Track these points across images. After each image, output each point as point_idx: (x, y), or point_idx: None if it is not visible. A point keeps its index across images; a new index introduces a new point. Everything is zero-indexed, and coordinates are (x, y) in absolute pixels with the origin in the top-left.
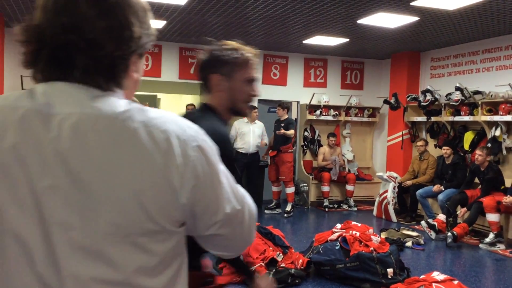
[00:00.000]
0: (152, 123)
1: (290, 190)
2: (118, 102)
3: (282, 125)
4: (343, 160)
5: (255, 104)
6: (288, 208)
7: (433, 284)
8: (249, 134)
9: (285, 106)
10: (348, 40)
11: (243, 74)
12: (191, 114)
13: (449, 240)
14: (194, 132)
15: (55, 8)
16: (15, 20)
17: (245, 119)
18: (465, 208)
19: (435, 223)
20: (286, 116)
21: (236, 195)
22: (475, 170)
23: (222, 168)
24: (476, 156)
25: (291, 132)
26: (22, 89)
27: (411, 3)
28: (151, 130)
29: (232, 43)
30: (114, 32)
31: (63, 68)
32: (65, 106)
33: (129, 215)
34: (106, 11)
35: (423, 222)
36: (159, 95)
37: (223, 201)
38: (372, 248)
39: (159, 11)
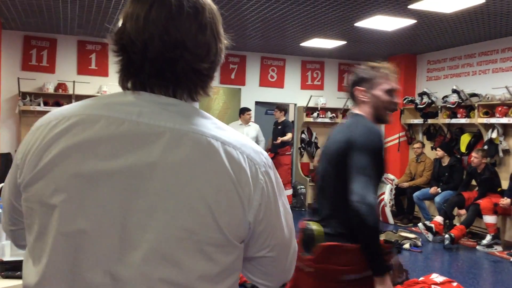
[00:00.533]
0: (231, 145)
1: (288, 192)
2: (207, 123)
3: (280, 127)
4: None
5: (250, 106)
6: None
7: (432, 286)
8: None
9: (283, 108)
10: (345, 42)
11: (382, 86)
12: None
13: (447, 242)
14: (264, 158)
15: (159, 23)
16: (12, 22)
17: (239, 122)
18: (464, 210)
19: (432, 225)
20: (283, 118)
21: (288, 225)
22: (472, 172)
23: (283, 198)
24: (472, 159)
25: (289, 136)
26: (19, 90)
27: (409, 6)
28: (229, 150)
29: (373, 63)
30: (212, 45)
31: (164, 78)
32: (157, 120)
33: (202, 224)
34: (204, 26)
35: (420, 224)
36: None
37: (279, 227)
38: None
39: None
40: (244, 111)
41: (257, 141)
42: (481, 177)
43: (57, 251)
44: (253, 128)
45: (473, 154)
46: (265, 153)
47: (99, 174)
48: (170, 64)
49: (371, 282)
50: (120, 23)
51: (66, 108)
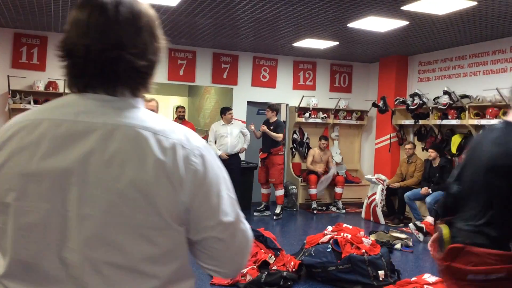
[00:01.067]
0: (162, 133)
1: (280, 192)
2: (139, 114)
3: (271, 127)
4: (334, 164)
5: (242, 106)
6: (278, 210)
7: (425, 286)
8: (227, 136)
9: (274, 108)
10: (337, 43)
11: None
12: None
13: None
14: (201, 144)
15: (99, 28)
16: (2, 19)
17: (222, 122)
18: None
19: (423, 225)
20: (275, 119)
21: (231, 207)
22: None
23: (223, 180)
24: (459, 159)
25: (279, 135)
26: (9, 88)
27: (401, 8)
28: (159, 138)
29: None
30: (148, 43)
31: (106, 78)
32: (92, 117)
33: (138, 209)
34: (140, 28)
35: (411, 225)
36: (147, 97)
37: (217, 209)
38: (363, 251)
39: None
40: (225, 111)
41: (243, 136)
42: None
43: (16, 245)
44: (236, 126)
45: (463, 155)
46: (201, 139)
47: (42, 172)
48: (110, 64)
49: (504, 284)
50: (65, 31)
51: (21, 115)
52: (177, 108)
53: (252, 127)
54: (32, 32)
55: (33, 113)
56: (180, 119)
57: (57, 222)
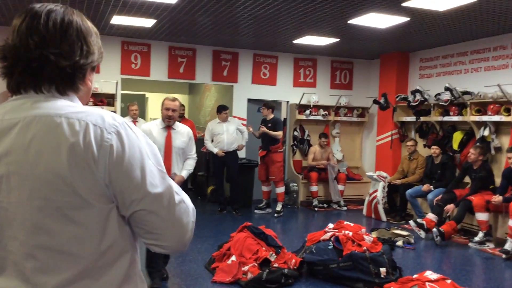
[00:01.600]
0: (75, 117)
1: (280, 190)
2: (57, 104)
3: (269, 125)
4: (335, 161)
5: (243, 103)
6: (279, 208)
7: (427, 283)
8: (223, 133)
9: (270, 105)
10: (338, 40)
11: None
12: None
13: (437, 237)
14: (116, 122)
15: (27, 31)
16: (1, 17)
17: (217, 120)
18: (452, 204)
19: (424, 222)
20: (272, 116)
21: (162, 181)
22: (467, 168)
23: (148, 154)
24: (469, 155)
25: (279, 133)
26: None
27: (402, 4)
28: (72, 121)
29: None
30: (76, 47)
31: (33, 76)
32: (15, 113)
33: (56, 191)
34: (69, 34)
35: (411, 222)
36: (147, 94)
37: (142, 182)
38: (365, 248)
39: (149, 10)
40: (220, 110)
41: (240, 133)
42: (476, 174)
43: None
44: (232, 123)
45: (471, 150)
46: (119, 118)
47: None
48: (35, 63)
49: None
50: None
51: None
52: (129, 105)
53: (251, 129)
54: None
55: None
56: (180, 117)
57: None
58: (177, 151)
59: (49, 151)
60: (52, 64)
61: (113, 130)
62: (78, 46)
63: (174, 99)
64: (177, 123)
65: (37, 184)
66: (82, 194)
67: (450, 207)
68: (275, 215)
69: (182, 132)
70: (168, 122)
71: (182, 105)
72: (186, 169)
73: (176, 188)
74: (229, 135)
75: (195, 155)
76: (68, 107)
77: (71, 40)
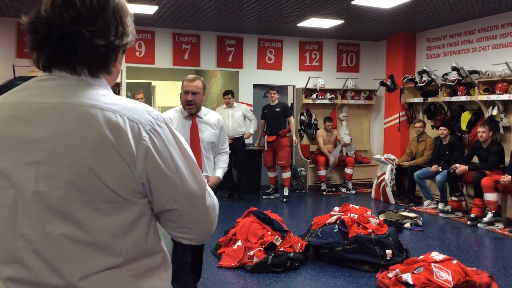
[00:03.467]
0: (110, 109)
1: (287, 175)
2: (91, 92)
3: (278, 109)
4: (345, 141)
5: (249, 89)
6: (286, 192)
7: (432, 264)
8: (228, 119)
9: (277, 89)
10: (343, 22)
11: None
12: None
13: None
14: (152, 118)
15: (63, 4)
16: (5, 9)
17: (224, 106)
18: (465, 167)
19: (449, 207)
20: (277, 101)
21: (194, 177)
22: (476, 147)
23: (180, 151)
24: (480, 134)
25: (293, 121)
26: (14, 77)
27: None
28: (107, 114)
29: None
30: (112, 26)
31: (67, 54)
32: (46, 98)
33: (88, 183)
34: (106, 10)
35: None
36: (153, 83)
37: (179, 180)
38: (370, 230)
39: None
40: (223, 95)
41: (246, 120)
42: (487, 152)
43: None
44: (238, 109)
45: (480, 128)
46: (155, 113)
47: (3, 150)
48: (69, 39)
49: None
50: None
51: None
52: (135, 94)
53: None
54: None
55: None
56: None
57: (16, 200)
58: (206, 146)
59: (82, 143)
60: (87, 42)
61: (149, 127)
62: (114, 26)
63: (195, 79)
64: (204, 109)
65: (68, 175)
66: (113, 189)
67: (462, 169)
68: (284, 199)
69: (211, 122)
70: (190, 110)
71: (143, 93)
72: (220, 167)
73: (205, 183)
74: (234, 121)
75: (228, 149)
76: (103, 96)
77: (107, 19)
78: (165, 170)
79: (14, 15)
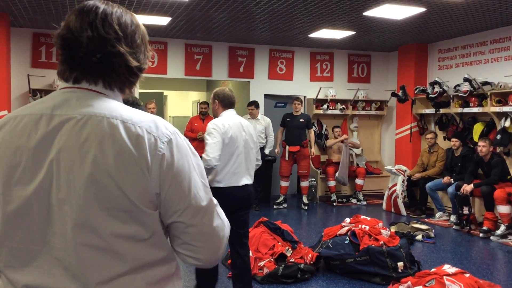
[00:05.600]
0: (130, 121)
1: (306, 183)
2: (111, 104)
3: (302, 120)
4: (354, 142)
5: (260, 99)
6: (305, 200)
7: (444, 277)
8: None
9: (301, 99)
10: (354, 33)
11: None
12: None
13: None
14: (168, 131)
15: (102, 26)
16: (21, 19)
17: (247, 116)
18: (470, 186)
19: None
20: (299, 112)
21: (205, 195)
22: (479, 161)
23: (195, 166)
24: (480, 148)
25: (313, 134)
26: (29, 87)
27: None
28: (128, 126)
29: None
30: (142, 49)
31: (104, 69)
32: (67, 109)
33: (108, 193)
34: (136, 33)
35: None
36: (165, 92)
37: (187, 194)
38: (382, 242)
39: (164, 7)
40: (248, 105)
41: (265, 136)
42: (488, 166)
43: (5, 231)
44: (261, 122)
45: (481, 143)
46: (171, 126)
47: (23, 162)
48: (110, 57)
49: None
50: (66, 24)
51: (11, 114)
52: (200, 104)
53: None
54: (50, 31)
55: (19, 110)
56: (203, 114)
57: (40, 207)
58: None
59: (103, 153)
60: (124, 62)
61: (166, 139)
62: (143, 50)
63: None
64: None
65: (88, 184)
66: (131, 198)
67: (468, 188)
68: (305, 207)
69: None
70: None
71: (206, 103)
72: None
73: (216, 203)
74: (256, 134)
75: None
76: (121, 108)
77: (139, 43)
78: (176, 180)
79: (30, 25)
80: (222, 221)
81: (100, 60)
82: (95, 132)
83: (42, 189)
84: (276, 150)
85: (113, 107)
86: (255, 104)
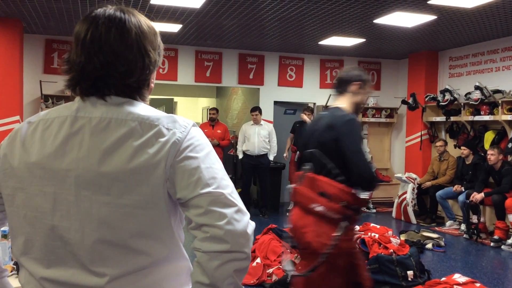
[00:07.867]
0: (148, 119)
1: None
2: (129, 108)
3: None
4: None
5: (269, 106)
6: None
7: (455, 286)
8: (254, 136)
9: (311, 109)
10: (364, 40)
11: None
12: None
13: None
14: (186, 123)
15: (94, 48)
16: (33, 26)
17: (251, 122)
18: (481, 195)
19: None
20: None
21: (220, 181)
22: (489, 170)
23: (208, 157)
24: (489, 156)
25: None
26: (41, 93)
27: (428, 2)
28: (145, 124)
29: None
30: (139, 62)
31: (100, 92)
32: (89, 112)
33: (124, 189)
34: (131, 46)
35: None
36: (175, 99)
37: (201, 181)
38: (391, 250)
39: (175, 15)
40: (251, 111)
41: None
42: (499, 175)
43: (25, 225)
44: (265, 128)
45: (490, 151)
46: (187, 121)
47: (45, 160)
48: (101, 80)
49: None
50: (70, 48)
51: (38, 114)
52: (209, 110)
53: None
54: (62, 38)
55: (46, 113)
56: (212, 121)
57: (59, 203)
58: None
59: (120, 152)
60: (117, 81)
61: (183, 129)
62: (140, 63)
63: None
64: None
65: (106, 181)
66: (149, 194)
67: (478, 197)
68: None
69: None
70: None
71: (215, 109)
72: None
73: (235, 193)
74: (260, 138)
75: None
76: (138, 109)
77: (133, 53)
78: (191, 171)
79: (43, 32)
80: (247, 221)
81: (94, 84)
82: (115, 133)
83: (63, 186)
84: (284, 155)
85: (129, 109)
86: (258, 109)
